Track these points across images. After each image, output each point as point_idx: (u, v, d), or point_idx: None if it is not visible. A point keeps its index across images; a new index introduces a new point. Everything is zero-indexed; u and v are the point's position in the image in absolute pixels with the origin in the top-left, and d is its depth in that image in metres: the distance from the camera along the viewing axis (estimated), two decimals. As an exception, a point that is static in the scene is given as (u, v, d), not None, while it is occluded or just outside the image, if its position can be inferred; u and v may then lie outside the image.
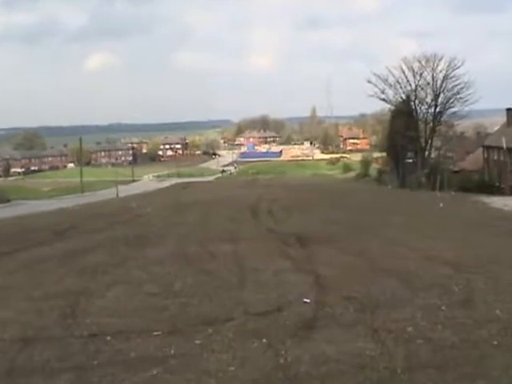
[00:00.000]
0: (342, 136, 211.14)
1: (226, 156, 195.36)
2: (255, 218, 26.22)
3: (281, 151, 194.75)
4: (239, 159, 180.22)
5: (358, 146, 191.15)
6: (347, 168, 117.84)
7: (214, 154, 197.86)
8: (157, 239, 19.44)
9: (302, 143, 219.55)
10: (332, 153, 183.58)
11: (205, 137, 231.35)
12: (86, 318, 9.17)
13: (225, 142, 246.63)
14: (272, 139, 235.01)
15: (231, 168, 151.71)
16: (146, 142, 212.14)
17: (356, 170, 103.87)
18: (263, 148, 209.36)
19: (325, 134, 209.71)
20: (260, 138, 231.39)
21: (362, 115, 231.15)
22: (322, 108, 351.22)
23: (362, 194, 48.98)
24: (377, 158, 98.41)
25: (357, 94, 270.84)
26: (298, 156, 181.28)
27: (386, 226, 21.59)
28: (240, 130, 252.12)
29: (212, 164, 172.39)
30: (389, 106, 67.92)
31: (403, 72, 64.16)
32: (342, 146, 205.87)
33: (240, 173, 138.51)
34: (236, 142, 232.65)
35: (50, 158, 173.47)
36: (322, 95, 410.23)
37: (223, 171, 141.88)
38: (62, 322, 9.05)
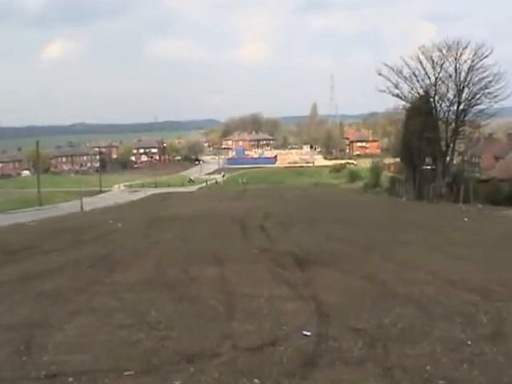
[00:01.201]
0: (347, 138, 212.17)
1: (211, 162, 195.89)
2: (245, 236, 26.21)
3: (275, 156, 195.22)
4: (226, 166, 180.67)
5: (367, 151, 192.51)
6: (354, 176, 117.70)
7: (197, 160, 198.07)
8: (129, 260, 19.35)
9: (301, 147, 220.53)
10: (336, 158, 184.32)
11: (186, 140, 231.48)
12: (44, 355, 9.08)
13: (209, 146, 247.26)
14: (265, 142, 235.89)
15: (217, 176, 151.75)
16: (116, 146, 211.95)
17: (364, 178, 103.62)
18: (255, 153, 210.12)
19: (327, 137, 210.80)
20: (251, 140, 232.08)
21: (372, 114, 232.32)
22: (325, 106, 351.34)
23: (371, 206, 48.97)
24: (389, 165, 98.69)
25: (365, 90, 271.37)
26: (296, 162, 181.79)
27: (400, 245, 21.62)
28: (227, 131, 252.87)
29: (194, 172, 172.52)
30: (403, 103, 67.12)
31: (420, 63, 63.70)
32: (347, 150, 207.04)
33: (228, 182, 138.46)
34: (223, 146, 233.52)
35: (0, 165, 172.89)
36: (324, 91, 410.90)
37: (206, 181, 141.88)
38: (14, 360, 8.94)
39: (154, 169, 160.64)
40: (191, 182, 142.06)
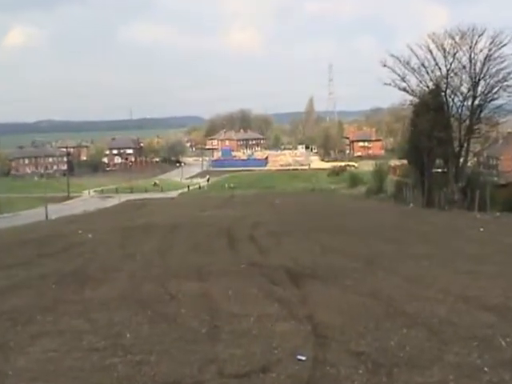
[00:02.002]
0: (348, 138, 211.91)
1: (194, 164, 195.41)
2: (232, 247, 26.31)
3: (266, 158, 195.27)
4: (212, 169, 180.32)
5: (370, 152, 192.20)
6: (355, 180, 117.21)
7: (178, 162, 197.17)
8: (101, 276, 19.34)
9: (295, 147, 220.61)
10: (335, 160, 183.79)
11: (165, 139, 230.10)
12: (3, 383, 9.03)
13: (192, 146, 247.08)
14: (255, 142, 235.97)
15: (201, 180, 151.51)
16: (86, 146, 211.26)
17: (367, 182, 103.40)
18: (243, 154, 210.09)
19: (325, 136, 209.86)
20: (239, 140, 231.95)
21: (375, 110, 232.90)
22: (322, 101, 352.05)
23: (374, 214, 48.91)
24: (394, 168, 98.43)
25: (368, 83, 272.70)
26: (290, 165, 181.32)
27: (407, 258, 21.66)
28: (212, 129, 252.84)
29: (176, 175, 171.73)
30: (411, 97, 66.91)
31: (430, 52, 63.46)
32: (347, 151, 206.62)
33: (213, 187, 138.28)
34: (207, 146, 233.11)
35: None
36: (322, 84, 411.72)
37: (188, 186, 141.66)
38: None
39: (130, 172, 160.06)
40: (156, 185, 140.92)
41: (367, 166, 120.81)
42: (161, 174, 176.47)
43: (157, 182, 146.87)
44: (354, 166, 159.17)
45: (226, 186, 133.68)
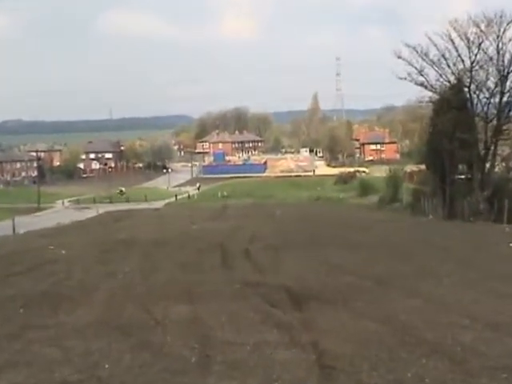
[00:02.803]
0: (357, 140, 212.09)
1: (183, 171, 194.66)
2: (226, 265, 26.30)
3: (265, 163, 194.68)
4: (203, 175, 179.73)
5: (383, 155, 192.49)
6: (366, 188, 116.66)
7: (165, 168, 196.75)
8: (76, 297, 19.26)
9: (298, 151, 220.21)
10: (343, 166, 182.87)
11: (150, 141, 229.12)
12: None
13: (180, 150, 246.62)
14: (252, 145, 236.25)
15: (190, 189, 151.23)
16: (59, 150, 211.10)
17: (379, 191, 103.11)
18: (238, 158, 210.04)
19: (332, 137, 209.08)
20: (234, 143, 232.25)
21: (388, 109, 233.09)
22: (328, 98, 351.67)
23: (388, 227, 48.45)
24: (411, 174, 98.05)
25: (380, 78, 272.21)
26: (292, 170, 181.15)
27: (427, 278, 21.57)
28: (203, 131, 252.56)
29: (161, 182, 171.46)
30: (430, 93, 66.38)
31: (452, 42, 62.70)
32: (357, 154, 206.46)
33: (204, 196, 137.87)
34: (197, 150, 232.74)
35: None
36: (328, 78, 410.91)
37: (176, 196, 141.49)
38: None
39: (109, 179, 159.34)
40: (121, 193, 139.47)
41: (380, 172, 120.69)
42: (145, 181, 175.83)
43: (123, 189, 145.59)
44: (364, 171, 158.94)
45: (219, 194, 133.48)
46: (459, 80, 62.42)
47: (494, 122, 61.81)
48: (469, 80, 62.14)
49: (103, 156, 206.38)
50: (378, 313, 15.54)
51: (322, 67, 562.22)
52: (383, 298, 17.72)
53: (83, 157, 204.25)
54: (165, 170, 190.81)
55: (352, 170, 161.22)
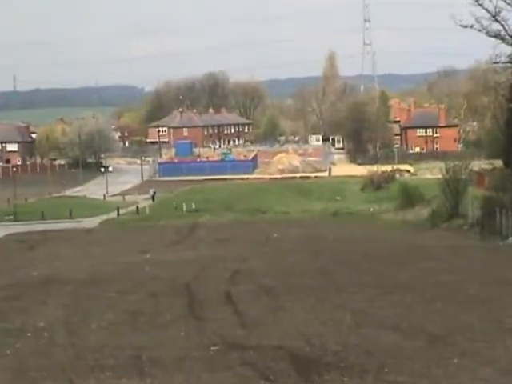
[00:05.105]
0: (397, 121, 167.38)
1: (129, 170, 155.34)
2: (195, 316, 23.82)
3: (255, 158, 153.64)
4: (159, 177, 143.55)
5: (437, 146, 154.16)
6: (410, 197, 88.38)
7: (101, 167, 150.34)
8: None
9: (305, 140, 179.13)
10: (375, 162, 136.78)
11: (78, 126, 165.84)
12: None
13: (124, 138, 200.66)
14: (234, 131, 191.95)
15: (140, 198, 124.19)
16: None
17: (431, 201, 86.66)
18: (214, 152, 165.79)
19: (358, 119, 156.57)
20: (206, 127, 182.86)
21: (446, 73, 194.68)
22: (352, 58, 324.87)
23: (445, 258, 42.08)
24: (481, 174, 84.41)
25: (430, 27, 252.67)
26: (296, 170, 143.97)
27: (505, 335, 19.29)
28: (159, 109, 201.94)
29: (95, 189, 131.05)
30: (510, 49, 54.37)
31: None
32: (398, 144, 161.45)
33: (161, 209, 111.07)
34: (150, 139, 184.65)
35: None
36: (352, 29, 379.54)
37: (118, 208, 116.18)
38: None
39: (13, 184, 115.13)
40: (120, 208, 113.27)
41: (432, 172, 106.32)
42: (70, 186, 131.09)
43: (122, 199, 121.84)
44: (408, 171, 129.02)
45: (184, 207, 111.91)
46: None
47: None
48: None
49: (4, 148, 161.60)
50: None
51: (341, 8, 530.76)
52: (440, 367, 16.01)
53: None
54: (102, 170, 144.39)
55: (389, 168, 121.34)
